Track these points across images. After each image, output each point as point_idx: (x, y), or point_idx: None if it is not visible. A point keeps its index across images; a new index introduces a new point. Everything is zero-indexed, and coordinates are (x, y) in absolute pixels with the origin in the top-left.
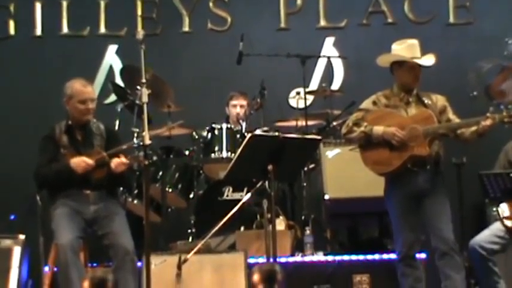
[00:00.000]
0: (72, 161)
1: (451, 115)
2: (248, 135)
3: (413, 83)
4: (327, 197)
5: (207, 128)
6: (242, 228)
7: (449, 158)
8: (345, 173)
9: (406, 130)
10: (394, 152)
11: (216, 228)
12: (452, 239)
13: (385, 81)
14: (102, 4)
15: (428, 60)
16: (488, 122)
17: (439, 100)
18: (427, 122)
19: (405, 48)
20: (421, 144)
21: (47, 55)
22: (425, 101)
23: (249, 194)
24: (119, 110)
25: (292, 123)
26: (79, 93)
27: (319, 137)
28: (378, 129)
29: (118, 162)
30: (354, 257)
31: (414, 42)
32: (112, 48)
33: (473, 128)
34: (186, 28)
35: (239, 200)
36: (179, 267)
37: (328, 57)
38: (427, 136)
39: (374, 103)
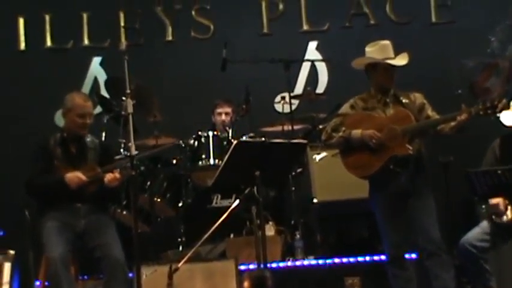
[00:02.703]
0: (67, 176)
1: (430, 112)
2: (234, 142)
3: (388, 84)
4: (315, 200)
5: (194, 136)
6: (232, 235)
7: (436, 156)
8: (333, 176)
9: (384, 131)
10: (375, 155)
11: (206, 236)
12: (439, 238)
13: (367, 83)
14: (85, 16)
15: (401, 60)
16: (463, 117)
17: (417, 98)
18: (405, 122)
19: (377, 50)
20: (400, 144)
21: (32, 69)
22: (403, 100)
23: (237, 201)
24: (105, 121)
25: (279, 128)
26: (79, 107)
27: (305, 141)
28: (356, 132)
29: (112, 177)
30: (344, 260)
31: (386, 43)
32: (96, 60)
33: (453, 123)
34: (169, 37)
35: (228, 207)
36: (170, 276)
37: (312, 61)
38: (405, 135)
39: (352, 107)
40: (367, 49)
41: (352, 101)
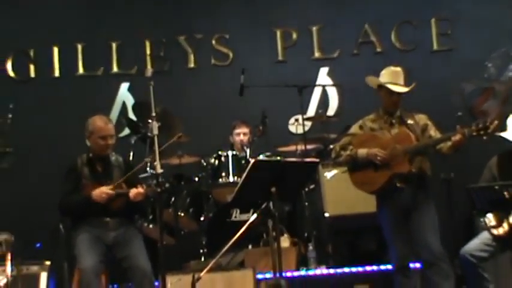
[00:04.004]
0: (93, 193)
1: (432, 132)
2: (252, 161)
3: (391, 107)
4: (327, 214)
5: (214, 155)
6: (250, 247)
7: (438, 174)
8: (343, 192)
9: (387, 150)
10: (378, 172)
11: (226, 247)
12: (439, 249)
13: (375, 105)
14: (114, 45)
15: (403, 87)
16: (457, 137)
17: (421, 119)
18: (406, 142)
19: (387, 74)
20: (401, 162)
21: (65, 95)
22: (408, 121)
23: (255, 215)
24: (133, 142)
25: (293, 147)
26: (100, 129)
27: (317, 160)
28: (362, 151)
29: (136, 192)
30: (354, 269)
31: (398, 69)
32: (124, 86)
33: (449, 143)
34: (191, 64)
35: (246, 221)
36: (193, 285)
37: (323, 86)
38: (406, 154)
39: (360, 127)
40: (382, 72)
41: (361, 122)
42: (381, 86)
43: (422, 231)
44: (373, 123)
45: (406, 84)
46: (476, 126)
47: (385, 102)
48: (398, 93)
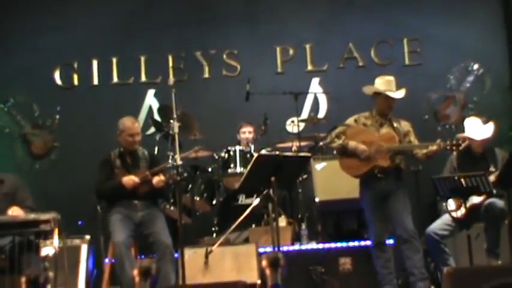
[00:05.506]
0: (123, 179)
1: (412, 138)
2: (255, 155)
3: (387, 110)
4: (317, 199)
5: (224, 150)
6: (253, 226)
7: (409, 166)
8: (331, 181)
9: (373, 145)
10: (363, 161)
11: (234, 226)
12: (412, 228)
13: (357, 110)
14: (143, 59)
15: (399, 93)
16: (434, 148)
17: (406, 125)
18: (391, 141)
19: (382, 83)
20: (383, 157)
21: (102, 99)
22: (395, 125)
23: (258, 199)
24: (157, 139)
25: (289, 144)
26: (128, 128)
27: (309, 155)
28: (352, 144)
29: (158, 180)
30: (339, 245)
31: (391, 78)
32: (151, 92)
33: (424, 151)
34: (206, 75)
35: (250, 204)
36: (206, 256)
37: (315, 93)
38: (388, 152)
39: (355, 121)
40: (376, 81)
41: (356, 116)
42: (378, 93)
43: (398, 213)
44: (366, 120)
45: (397, 91)
46: (451, 143)
47: (381, 106)
48: (394, 99)
